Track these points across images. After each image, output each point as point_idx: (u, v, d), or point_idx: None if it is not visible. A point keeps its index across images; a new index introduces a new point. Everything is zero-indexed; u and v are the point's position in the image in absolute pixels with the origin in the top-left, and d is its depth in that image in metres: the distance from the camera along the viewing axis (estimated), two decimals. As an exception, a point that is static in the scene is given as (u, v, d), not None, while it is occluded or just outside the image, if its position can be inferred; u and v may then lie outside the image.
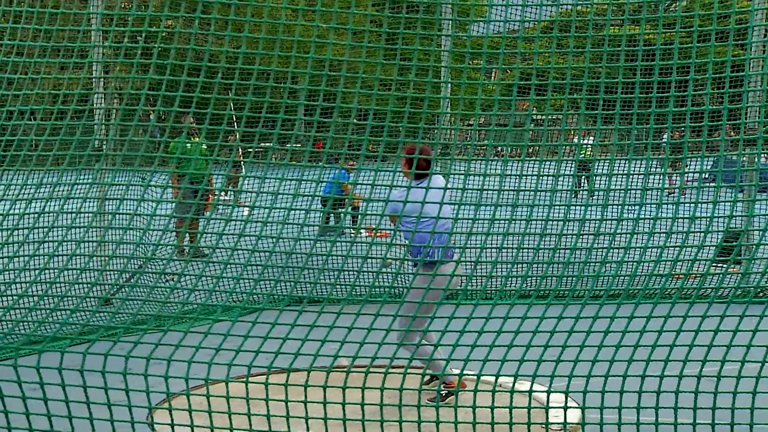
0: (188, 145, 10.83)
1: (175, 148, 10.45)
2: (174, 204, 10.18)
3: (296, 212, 4.03)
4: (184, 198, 8.99)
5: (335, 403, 3.76)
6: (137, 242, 4.11)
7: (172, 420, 3.92)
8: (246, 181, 12.49)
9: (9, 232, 4.06)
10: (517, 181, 4.55)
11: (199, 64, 3.99)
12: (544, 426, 4.02)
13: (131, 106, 4.18)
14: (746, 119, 4.13)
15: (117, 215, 4.26)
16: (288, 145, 4.41)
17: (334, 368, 3.89)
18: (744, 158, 10.07)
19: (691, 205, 3.91)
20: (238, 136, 12.79)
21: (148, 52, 4.29)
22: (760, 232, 4.10)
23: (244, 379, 3.86)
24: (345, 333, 3.79)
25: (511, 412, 3.82)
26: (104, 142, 7.58)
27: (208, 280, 4.11)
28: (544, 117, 5.17)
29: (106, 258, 4.33)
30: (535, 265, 4.16)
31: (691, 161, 9.86)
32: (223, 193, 12.85)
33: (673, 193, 12.41)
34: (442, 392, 5.83)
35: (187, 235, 10.46)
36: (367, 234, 12.07)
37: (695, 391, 3.76)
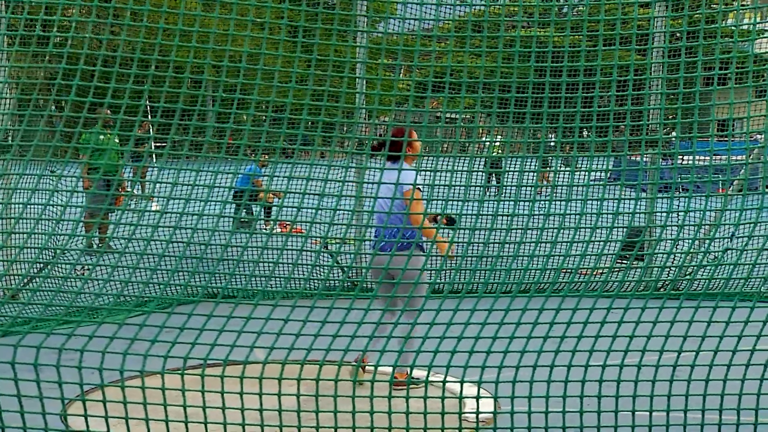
0: (101, 137, 10.61)
1: (87, 140, 10.24)
2: (87, 197, 10.01)
3: (214, 206, 4.05)
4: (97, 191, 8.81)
5: (271, 393, 3.83)
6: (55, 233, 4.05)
7: (85, 411, 3.91)
8: (155, 174, 12.28)
9: None
10: (432, 177, 4.65)
11: (98, 53, 3.96)
12: (458, 416, 4.13)
13: (33, 96, 4.09)
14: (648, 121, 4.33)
15: (27, 208, 4.20)
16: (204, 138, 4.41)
17: (250, 361, 3.94)
18: (646, 158, 10.45)
19: (596, 202, 4.08)
20: (150, 128, 12.60)
21: (47, 41, 4.22)
22: (661, 229, 4.32)
23: (179, 371, 3.88)
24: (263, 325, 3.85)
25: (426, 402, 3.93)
26: (9, 133, 7.39)
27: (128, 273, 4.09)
28: (456, 116, 5.27)
29: (17, 250, 4.26)
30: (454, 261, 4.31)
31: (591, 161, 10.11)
32: (133, 188, 12.61)
33: (552, 192, 12.75)
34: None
35: (96, 229, 10.25)
36: (281, 230, 12.06)
37: (599, 380, 3.94)
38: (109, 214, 9.91)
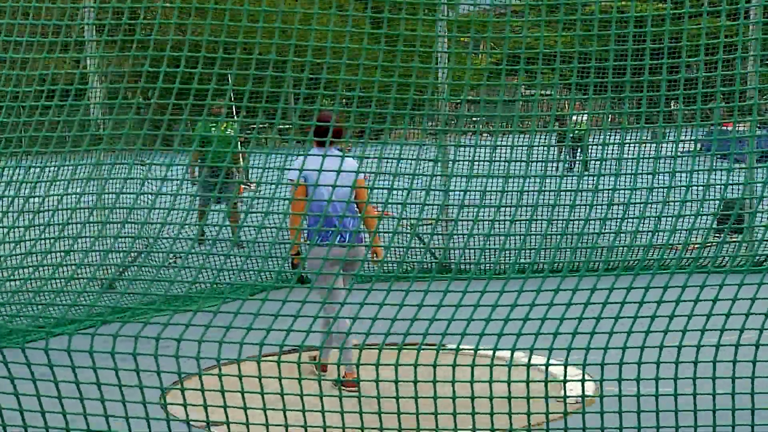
0: (213, 128, 10.74)
1: (201, 130, 10.38)
2: (197, 186, 10.26)
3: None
4: (207, 181, 9.02)
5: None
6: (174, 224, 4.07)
7: (184, 400, 3.92)
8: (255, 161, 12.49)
9: (14, 217, 4.02)
10: (508, 153, 4.49)
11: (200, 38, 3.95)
12: (560, 399, 4.01)
13: (139, 86, 4.12)
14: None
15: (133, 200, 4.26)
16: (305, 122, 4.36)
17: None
18: (741, 127, 10.06)
19: (687, 174, 3.90)
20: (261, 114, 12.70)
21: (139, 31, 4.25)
22: (758, 200, 4.07)
23: (256, 358, 3.85)
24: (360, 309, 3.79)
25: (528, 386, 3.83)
26: (101, 123, 7.52)
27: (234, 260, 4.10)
28: (533, 92, 5.10)
29: (122, 241, 4.30)
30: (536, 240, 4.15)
31: (685, 131, 9.80)
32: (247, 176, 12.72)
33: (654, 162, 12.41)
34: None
35: (205, 218, 10.42)
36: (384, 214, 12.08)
37: (713, 361, 3.74)
38: (220, 203, 10.17)
